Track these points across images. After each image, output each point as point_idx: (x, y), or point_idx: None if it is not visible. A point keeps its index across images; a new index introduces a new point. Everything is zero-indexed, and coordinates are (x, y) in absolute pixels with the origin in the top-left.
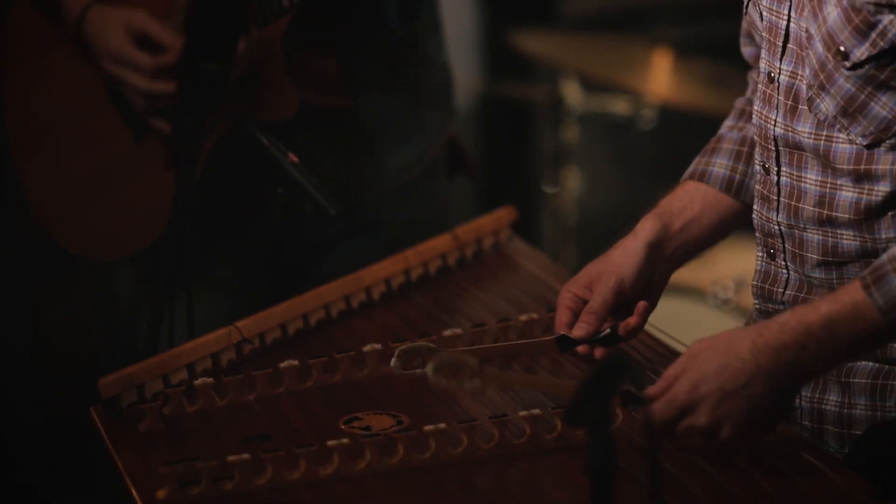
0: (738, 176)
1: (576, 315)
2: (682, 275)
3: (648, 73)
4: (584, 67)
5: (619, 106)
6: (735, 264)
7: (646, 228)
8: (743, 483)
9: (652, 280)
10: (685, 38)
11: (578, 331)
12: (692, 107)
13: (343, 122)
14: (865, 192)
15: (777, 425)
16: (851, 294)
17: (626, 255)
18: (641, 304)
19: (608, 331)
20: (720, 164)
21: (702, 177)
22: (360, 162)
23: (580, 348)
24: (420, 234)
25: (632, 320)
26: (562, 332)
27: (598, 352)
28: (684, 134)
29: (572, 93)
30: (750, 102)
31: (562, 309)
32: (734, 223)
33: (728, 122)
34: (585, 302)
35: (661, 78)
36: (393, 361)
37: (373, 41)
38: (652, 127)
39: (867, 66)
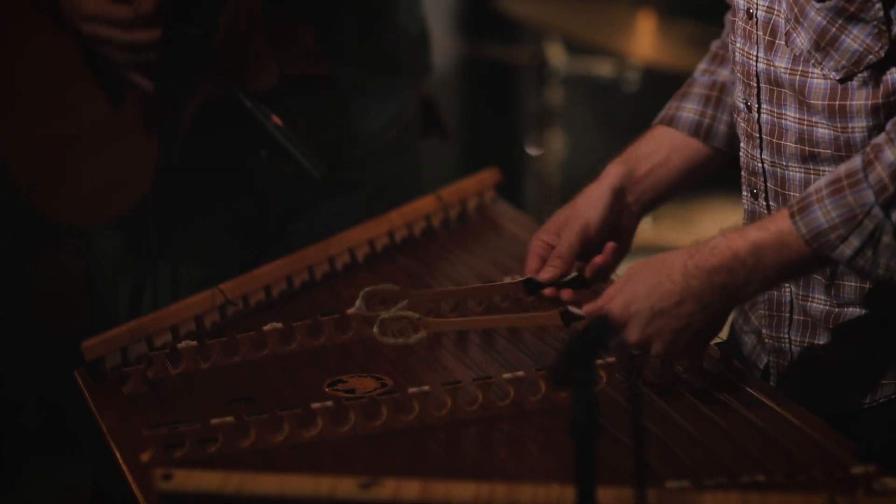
0: (706, 120)
1: (545, 262)
2: (665, 236)
3: (632, 35)
4: (568, 29)
5: (603, 68)
6: (718, 225)
7: (611, 174)
8: (727, 444)
9: (620, 225)
10: (668, 0)
11: (545, 274)
12: (676, 68)
13: (320, 89)
14: (840, 129)
15: (709, 343)
16: (778, 222)
17: (590, 200)
18: (610, 245)
19: (575, 274)
20: (689, 109)
21: (671, 122)
22: (337, 126)
23: (546, 291)
24: (396, 193)
25: (598, 258)
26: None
27: (565, 293)
28: (668, 96)
29: (556, 55)
30: (724, 46)
31: (531, 256)
32: (703, 167)
33: (701, 66)
34: (554, 248)
35: (645, 40)
36: (357, 303)
37: (348, 8)
38: (636, 89)
39: None
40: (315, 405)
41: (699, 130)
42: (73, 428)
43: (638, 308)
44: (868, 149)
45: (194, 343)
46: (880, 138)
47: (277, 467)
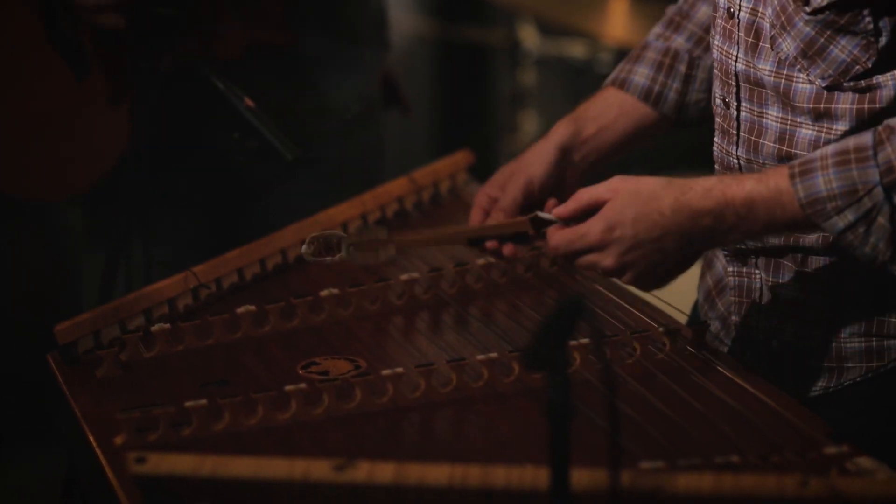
0: (657, 87)
1: (488, 215)
2: None
3: (605, 16)
4: (541, 11)
5: (576, 49)
6: None
7: (558, 132)
8: (701, 425)
9: (563, 182)
10: None
11: (556, 212)
12: None
13: (287, 59)
14: (824, 130)
15: (674, 279)
16: (777, 179)
17: (536, 156)
18: (552, 202)
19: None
20: (641, 73)
21: (622, 84)
22: (304, 99)
23: (488, 244)
24: (360, 167)
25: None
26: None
27: (507, 248)
28: None
29: (529, 36)
30: (681, 12)
31: (476, 209)
32: (649, 132)
33: (656, 30)
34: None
35: (618, 21)
36: (303, 248)
37: None
38: (609, 70)
39: (827, 12)
40: (289, 387)
41: (649, 96)
42: (46, 412)
43: (621, 234)
44: (881, 128)
45: (167, 326)
46: (894, 120)
47: (251, 450)
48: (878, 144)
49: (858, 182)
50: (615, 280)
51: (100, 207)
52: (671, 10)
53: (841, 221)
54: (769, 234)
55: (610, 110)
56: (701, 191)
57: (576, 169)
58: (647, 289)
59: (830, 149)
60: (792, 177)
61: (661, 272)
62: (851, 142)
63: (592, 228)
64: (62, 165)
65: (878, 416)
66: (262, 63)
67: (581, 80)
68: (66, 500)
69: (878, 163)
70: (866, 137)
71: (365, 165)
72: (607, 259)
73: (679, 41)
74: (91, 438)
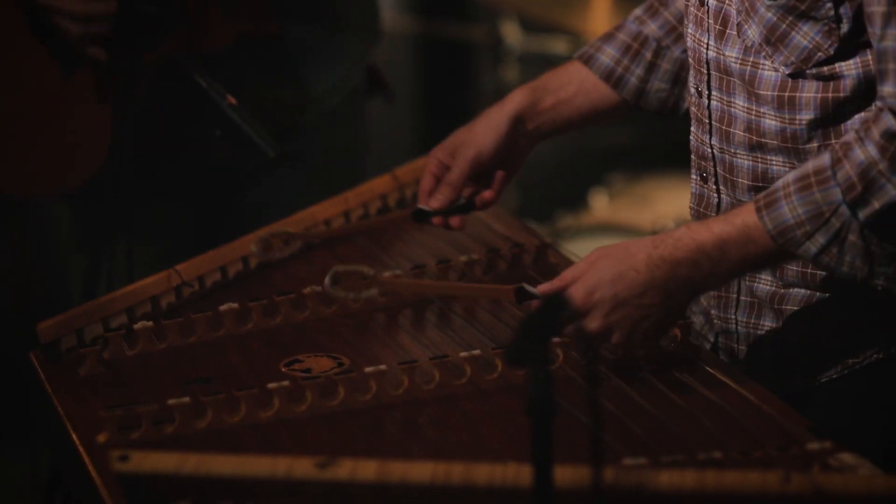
0: (619, 69)
1: (439, 181)
2: (622, 214)
3: (588, 12)
4: (524, 7)
5: (559, 46)
6: (675, 204)
7: (514, 100)
8: (683, 421)
9: (513, 151)
10: None
11: (434, 202)
12: None
13: (269, 49)
14: (787, 120)
15: (666, 333)
16: (744, 216)
17: (488, 125)
18: (499, 174)
19: (463, 201)
20: (607, 54)
21: (588, 61)
22: (286, 89)
23: (435, 220)
24: (344, 160)
25: (487, 194)
26: (422, 201)
27: (454, 221)
28: None
29: (512, 33)
30: (663, 1)
31: (426, 175)
32: (607, 113)
33: (636, 12)
34: (448, 169)
35: (601, 17)
36: (326, 280)
37: None
38: None
39: None
40: (271, 385)
41: (611, 77)
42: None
43: (601, 296)
44: (837, 146)
45: (150, 324)
46: (849, 136)
47: (234, 448)
48: (836, 163)
49: (823, 204)
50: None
51: (86, 205)
52: None
53: (813, 246)
54: (750, 271)
55: (570, 85)
56: (672, 242)
57: (527, 138)
58: (636, 348)
59: (791, 176)
60: (758, 210)
61: (648, 328)
62: (810, 165)
63: (574, 295)
64: (52, 162)
65: (856, 412)
66: (246, 54)
67: None
68: (49, 498)
69: (838, 182)
70: (824, 158)
71: (350, 158)
72: (593, 322)
73: (652, 27)
74: (74, 436)
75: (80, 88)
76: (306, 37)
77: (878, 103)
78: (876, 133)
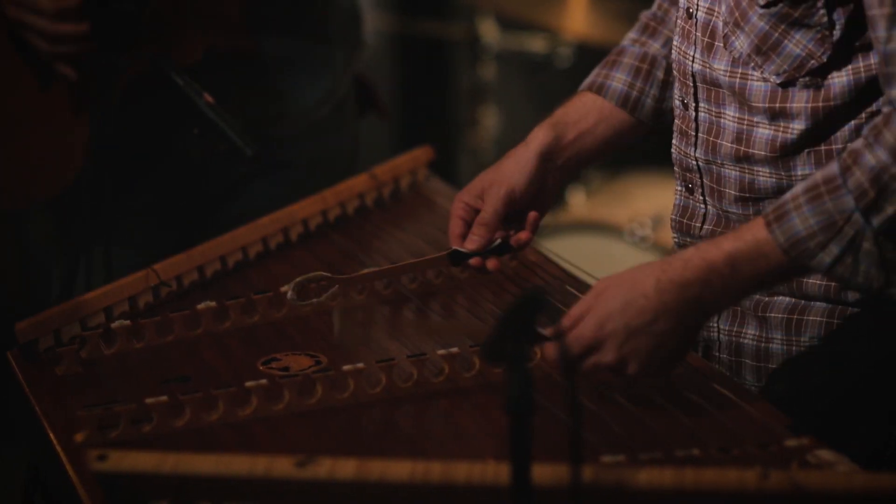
0: (634, 93)
1: (468, 225)
2: (600, 212)
3: (565, 10)
4: (501, 5)
5: (536, 44)
6: (652, 201)
7: (538, 138)
8: (662, 418)
9: (543, 189)
10: None
11: (470, 244)
12: (609, 44)
13: (249, 64)
14: (781, 129)
15: (682, 360)
16: (754, 232)
17: (517, 164)
18: (532, 216)
19: (499, 241)
20: (619, 79)
21: (600, 89)
22: (268, 101)
23: (473, 261)
24: (331, 172)
25: (523, 235)
26: (454, 244)
27: (491, 263)
28: None
29: (489, 31)
30: (655, 17)
31: (454, 219)
32: (628, 138)
33: (631, 35)
34: (477, 211)
35: (578, 16)
36: (289, 294)
37: None
38: (569, 65)
39: (781, 5)
40: (249, 383)
41: (627, 102)
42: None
43: (613, 328)
44: (845, 154)
45: (128, 323)
46: (858, 143)
47: (213, 446)
48: (846, 171)
49: (835, 213)
50: (624, 376)
51: (64, 211)
52: (645, 16)
53: (827, 257)
54: (762, 289)
55: (589, 115)
56: (680, 264)
57: (556, 175)
58: (656, 377)
59: (800, 187)
60: (768, 224)
61: (664, 356)
62: (819, 175)
63: (584, 330)
64: (33, 171)
65: (839, 420)
66: (224, 67)
67: (541, 75)
68: (27, 497)
69: (849, 189)
70: (832, 167)
71: (336, 169)
72: (607, 356)
73: (655, 46)
74: (52, 436)
75: (58, 98)
76: (287, 49)
77: (886, 108)
78: (889, 136)
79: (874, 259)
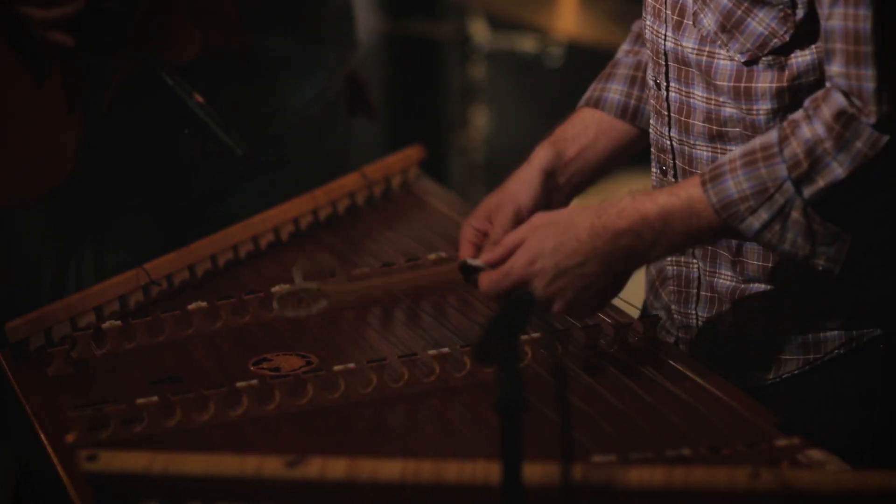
0: (632, 101)
1: (478, 249)
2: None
3: (555, 10)
4: (491, 5)
5: (527, 44)
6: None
7: (539, 156)
8: (652, 418)
9: (550, 207)
10: None
11: (482, 259)
12: (599, 44)
13: (243, 62)
14: (745, 110)
15: (607, 303)
16: (689, 189)
17: (521, 183)
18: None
19: None
20: (615, 90)
21: (597, 103)
22: (261, 100)
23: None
24: (323, 171)
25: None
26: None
27: None
28: (591, 71)
29: (479, 30)
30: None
31: (464, 244)
32: (630, 148)
33: (624, 47)
34: (486, 235)
35: (568, 15)
36: (275, 305)
37: None
38: (559, 64)
39: None
40: (240, 384)
41: (626, 112)
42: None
43: (543, 265)
44: (785, 124)
45: (118, 323)
46: (798, 114)
47: (203, 447)
48: (783, 140)
49: (768, 180)
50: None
51: (55, 210)
52: (636, 26)
53: (756, 221)
54: (692, 244)
55: (588, 130)
56: (615, 212)
57: (561, 192)
58: (580, 317)
59: (738, 151)
60: (703, 184)
61: (590, 298)
62: (757, 141)
63: (515, 264)
64: (25, 171)
65: (817, 408)
66: (218, 65)
67: (531, 75)
68: (18, 497)
69: (784, 158)
70: (771, 135)
71: (330, 168)
72: (534, 291)
73: (647, 53)
74: (42, 436)
75: (49, 98)
76: (282, 48)
77: (829, 83)
78: (826, 112)
79: (801, 229)
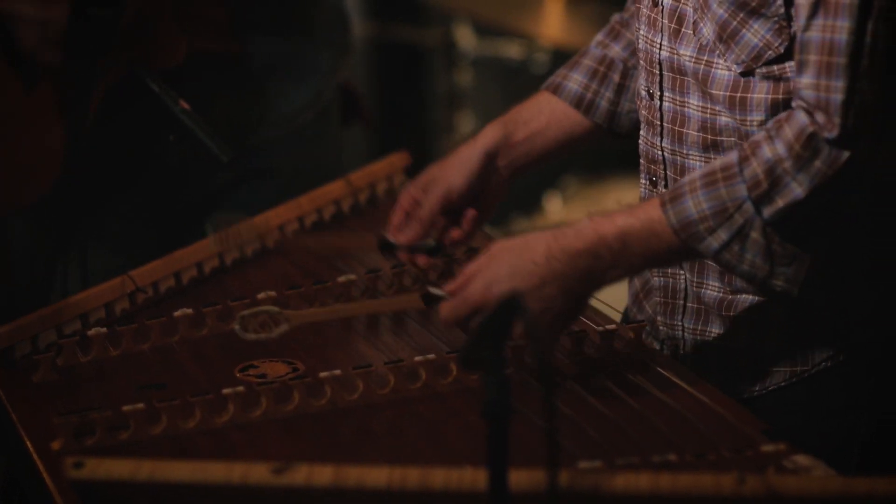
0: (588, 94)
1: (409, 216)
2: (576, 216)
3: (541, 16)
4: (477, 11)
5: (512, 50)
6: (620, 201)
7: (486, 136)
8: (639, 424)
9: (487, 188)
10: None
11: (402, 237)
12: None
13: (234, 67)
14: (739, 121)
15: (568, 326)
16: (648, 210)
17: (459, 162)
18: (470, 213)
19: (432, 242)
20: (575, 80)
21: (556, 90)
22: (252, 106)
23: (401, 255)
24: (313, 180)
25: (456, 232)
26: (390, 234)
27: (420, 259)
28: None
29: (465, 37)
30: (622, 21)
31: (398, 209)
32: (580, 140)
33: (598, 37)
34: (420, 205)
35: (554, 21)
36: (236, 327)
37: None
38: (545, 71)
39: None
40: (226, 391)
41: (581, 103)
42: None
43: (499, 290)
44: (746, 144)
45: (104, 330)
46: (759, 135)
47: (189, 453)
48: (744, 161)
49: (727, 200)
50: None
51: (41, 218)
52: (615, 19)
53: (715, 241)
54: (651, 266)
55: (541, 116)
56: (573, 233)
57: (501, 174)
58: (540, 340)
59: (698, 173)
60: (663, 204)
61: (550, 320)
62: (718, 162)
63: (473, 291)
64: (12, 178)
65: (803, 420)
66: (209, 70)
67: (517, 81)
68: None
69: (744, 178)
70: (731, 156)
71: (321, 175)
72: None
73: (616, 49)
74: (28, 443)
75: (39, 104)
76: (272, 52)
77: (795, 102)
78: (788, 132)
79: (760, 249)
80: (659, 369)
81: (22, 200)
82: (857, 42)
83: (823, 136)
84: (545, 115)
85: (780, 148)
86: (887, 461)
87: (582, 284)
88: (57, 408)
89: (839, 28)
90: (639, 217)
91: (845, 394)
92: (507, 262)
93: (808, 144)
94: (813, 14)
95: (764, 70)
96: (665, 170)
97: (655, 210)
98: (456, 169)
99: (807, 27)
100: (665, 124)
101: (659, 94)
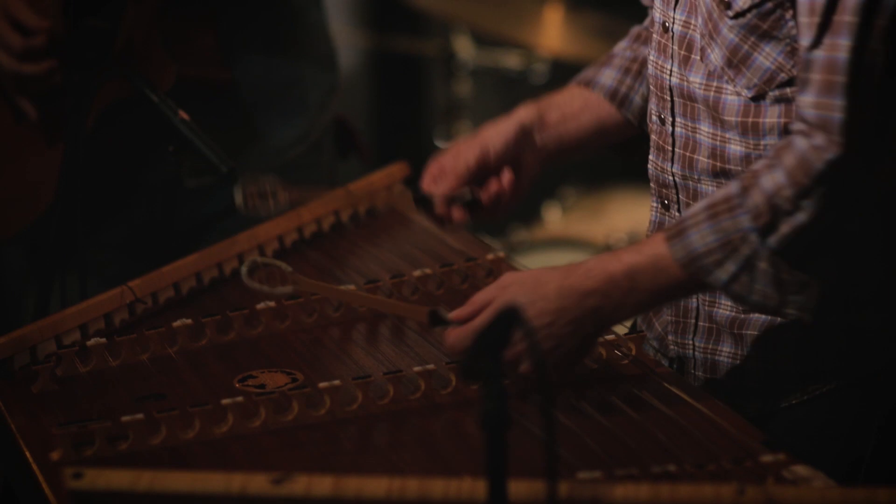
0: (623, 88)
1: (436, 181)
2: (576, 228)
3: (540, 27)
4: (476, 22)
5: (511, 60)
6: (628, 217)
7: (521, 113)
8: (638, 435)
9: (520, 162)
10: None
11: (436, 189)
12: (584, 60)
13: (222, 95)
14: (752, 146)
15: (578, 364)
16: (654, 246)
17: (495, 129)
18: (508, 173)
19: (470, 196)
20: (608, 75)
21: (588, 83)
22: (241, 137)
23: (437, 208)
24: None
25: (494, 185)
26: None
27: (457, 212)
28: None
29: (464, 47)
30: (647, 29)
31: (427, 177)
32: (611, 133)
33: (622, 44)
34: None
35: (553, 32)
36: (243, 270)
37: (252, 13)
38: (544, 81)
39: (749, 16)
40: (225, 401)
41: (615, 96)
42: None
43: None
44: (746, 174)
45: (103, 340)
46: (760, 164)
47: (188, 464)
48: (745, 191)
49: (732, 231)
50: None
51: (36, 241)
52: (636, 28)
53: (723, 274)
54: (660, 302)
55: (574, 101)
56: (583, 272)
57: (534, 155)
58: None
59: (700, 205)
60: (668, 240)
61: (559, 358)
62: (719, 194)
63: (482, 322)
64: (7, 204)
65: (813, 440)
66: (195, 97)
67: (516, 91)
68: None
69: (747, 209)
70: (732, 186)
71: None
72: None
73: (645, 51)
74: (27, 454)
75: (31, 132)
76: (262, 85)
77: (796, 126)
78: (787, 159)
79: (769, 279)
80: (658, 380)
81: (12, 229)
82: (857, 61)
83: (824, 158)
84: (578, 102)
85: (780, 176)
86: (891, 478)
87: (591, 323)
88: (56, 418)
89: (840, 46)
90: (645, 254)
91: (855, 415)
92: (518, 296)
93: (808, 170)
94: (822, 33)
95: (776, 93)
96: (677, 194)
97: (661, 246)
98: (492, 133)
99: (814, 45)
100: (677, 150)
101: (671, 119)
